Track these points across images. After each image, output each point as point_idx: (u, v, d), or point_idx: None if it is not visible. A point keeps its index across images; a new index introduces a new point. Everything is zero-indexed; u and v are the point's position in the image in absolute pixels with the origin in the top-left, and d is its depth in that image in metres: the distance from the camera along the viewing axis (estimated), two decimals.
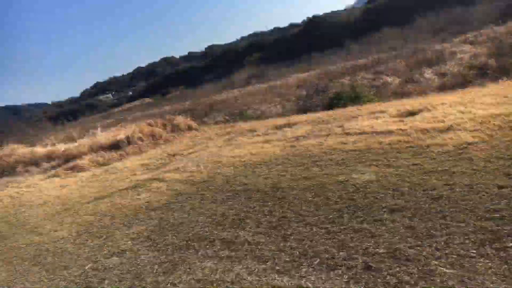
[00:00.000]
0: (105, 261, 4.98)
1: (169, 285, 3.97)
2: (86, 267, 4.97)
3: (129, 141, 13.44)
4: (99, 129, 18.35)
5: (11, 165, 16.21)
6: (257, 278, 3.66)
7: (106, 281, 4.44)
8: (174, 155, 10.48)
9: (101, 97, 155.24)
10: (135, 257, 4.87)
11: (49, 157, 15.46)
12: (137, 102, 79.72)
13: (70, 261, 5.31)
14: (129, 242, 5.39)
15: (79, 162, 12.80)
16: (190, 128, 14.22)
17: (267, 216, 4.97)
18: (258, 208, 5.38)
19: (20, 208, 9.32)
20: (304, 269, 3.61)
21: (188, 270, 4.17)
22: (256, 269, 3.81)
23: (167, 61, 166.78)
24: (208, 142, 10.90)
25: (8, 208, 9.71)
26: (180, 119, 14.58)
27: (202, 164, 8.46)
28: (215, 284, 3.74)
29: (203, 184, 7.08)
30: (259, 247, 4.24)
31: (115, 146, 13.53)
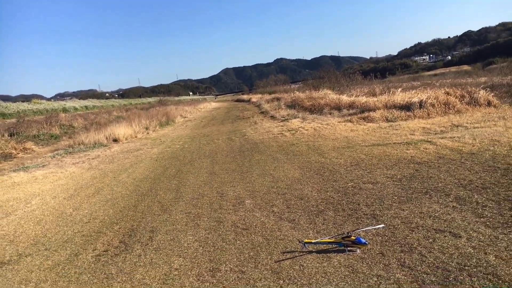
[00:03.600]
0: (362, 184, 6.93)
1: (397, 209, 5.50)
2: (348, 184, 7.08)
3: (421, 105, 14.61)
4: (399, 90, 20.16)
5: (320, 106, 20.52)
6: (466, 224, 4.69)
7: (358, 195, 6.37)
8: (457, 126, 11.09)
9: (416, 58, 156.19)
10: (383, 188, 6.58)
11: (350, 106, 18.67)
12: (452, 68, 76.88)
13: (339, 178, 7.58)
14: (383, 178, 7.12)
15: (371, 114, 15.15)
16: (489, 104, 13.89)
17: (508, 192, 5.56)
18: (504, 182, 5.95)
19: (318, 139, 12.53)
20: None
21: (418, 204, 5.55)
22: (470, 220, 4.79)
23: (506, 26, 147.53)
24: (498, 121, 10.80)
25: (310, 137, 13.19)
26: (481, 93, 14.39)
27: (479, 138, 8.95)
28: (431, 218, 5.02)
29: (469, 155, 7.80)
30: (483, 207, 5.11)
31: (406, 107, 15.03)
